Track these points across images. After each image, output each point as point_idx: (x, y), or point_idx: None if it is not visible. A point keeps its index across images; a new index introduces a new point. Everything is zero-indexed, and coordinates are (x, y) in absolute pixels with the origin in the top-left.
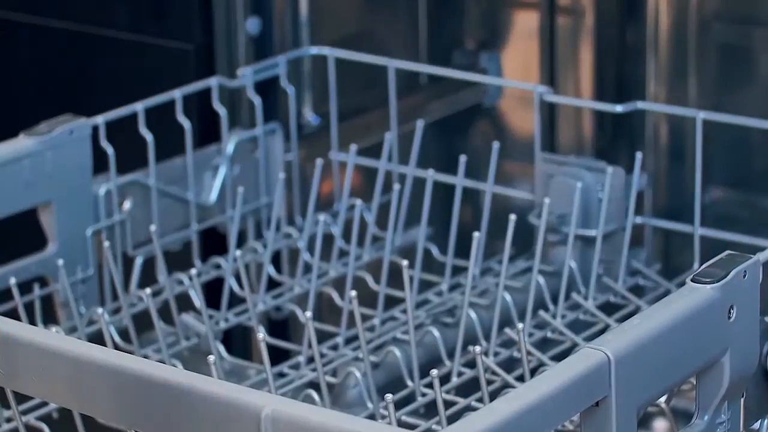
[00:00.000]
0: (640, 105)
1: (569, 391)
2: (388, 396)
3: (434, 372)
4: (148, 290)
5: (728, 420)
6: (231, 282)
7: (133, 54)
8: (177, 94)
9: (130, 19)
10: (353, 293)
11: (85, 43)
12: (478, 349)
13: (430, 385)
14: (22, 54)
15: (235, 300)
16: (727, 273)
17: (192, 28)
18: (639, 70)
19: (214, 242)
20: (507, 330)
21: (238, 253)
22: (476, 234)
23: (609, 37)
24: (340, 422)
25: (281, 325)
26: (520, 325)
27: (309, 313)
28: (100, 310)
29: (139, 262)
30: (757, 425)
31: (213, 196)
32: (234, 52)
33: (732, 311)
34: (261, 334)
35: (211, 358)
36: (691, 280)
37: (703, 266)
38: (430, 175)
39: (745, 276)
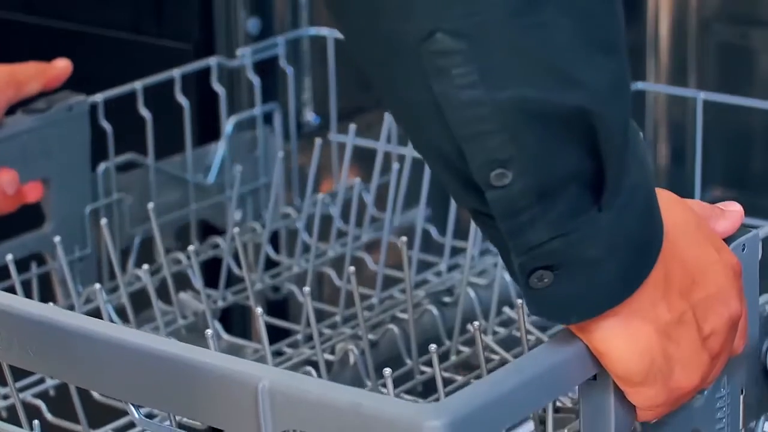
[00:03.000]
0: (640, 85)
1: (567, 364)
2: (387, 370)
3: (433, 347)
4: (145, 266)
5: (728, 394)
6: (229, 261)
7: (133, 54)
8: (176, 73)
9: (130, 19)
10: (351, 269)
11: (85, 43)
12: (476, 324)
13: (428, 364)
14: (23, 54)
15: (234, 280)
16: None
17: (191, 28)
18: (639, 70)
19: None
20: (506, 309)
21: (236, 230)
22: None
23: None
24: (337, 393)
25: (279, 306)
26: (519, 301)
27: (307, 288)
28: (97, 285)
29: (137, 241)
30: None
31: (211, 176)
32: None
33: None
34: (260, 309)
35: (209, 332)
36: None
37: None
38: None
39: (744, 250)
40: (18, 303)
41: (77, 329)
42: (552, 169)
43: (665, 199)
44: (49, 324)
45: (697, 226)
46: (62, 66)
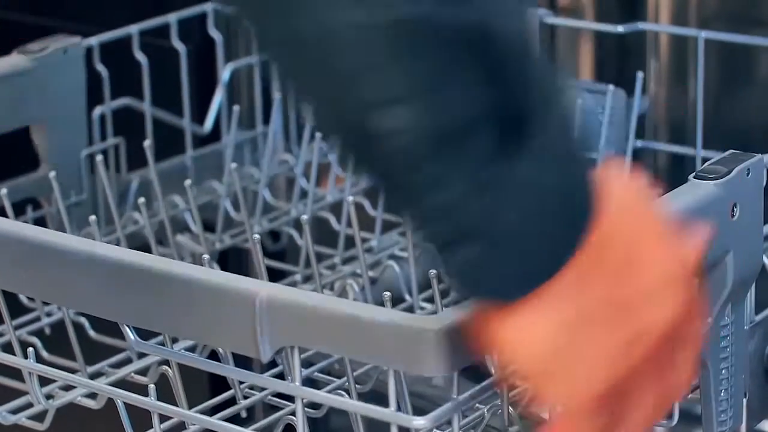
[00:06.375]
0: (641, 26)
1: None
2: (386, 294)
3: (433, 272)
4: (142, 199)
5: (732, 323)
6: (226, 204)
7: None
8: (172, 18)
9: (129, 19)
10: (350, 199)
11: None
12: None
13: (428, 300)
14: None
15: (230, 226)
16: (730, 170)
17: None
18: (639, 69)
19: None
20: None
21: (233, 165)
22: None
23: (609, 38)
24: (335, 306)
25: (277, 255)
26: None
27: (306, 216)
28: (93, 217)
29: (134, 185)
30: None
31: (208, 124)
32: None
33: (735, 210)
34: (257, 236)
35: (206, 256)
36: (695, 177)
37: (707, 163)
38: None
39: (748, 174)
40: (9, 225)
41: (72, 249)
42: (453, 106)
43: (617, 177)
44: (43, 245)
45: (648, 210)
46: None
